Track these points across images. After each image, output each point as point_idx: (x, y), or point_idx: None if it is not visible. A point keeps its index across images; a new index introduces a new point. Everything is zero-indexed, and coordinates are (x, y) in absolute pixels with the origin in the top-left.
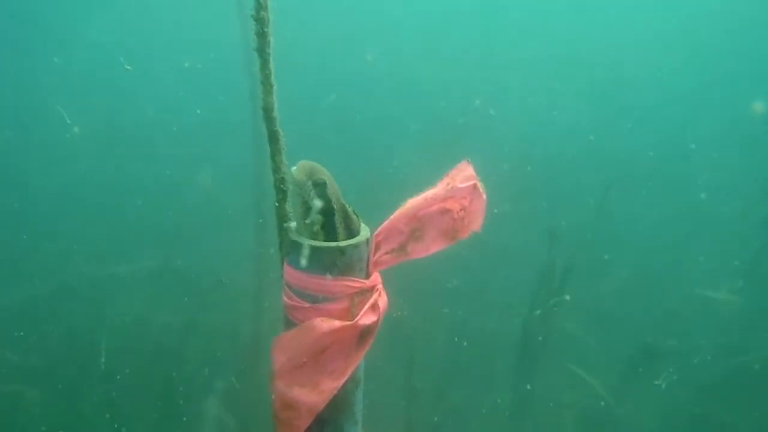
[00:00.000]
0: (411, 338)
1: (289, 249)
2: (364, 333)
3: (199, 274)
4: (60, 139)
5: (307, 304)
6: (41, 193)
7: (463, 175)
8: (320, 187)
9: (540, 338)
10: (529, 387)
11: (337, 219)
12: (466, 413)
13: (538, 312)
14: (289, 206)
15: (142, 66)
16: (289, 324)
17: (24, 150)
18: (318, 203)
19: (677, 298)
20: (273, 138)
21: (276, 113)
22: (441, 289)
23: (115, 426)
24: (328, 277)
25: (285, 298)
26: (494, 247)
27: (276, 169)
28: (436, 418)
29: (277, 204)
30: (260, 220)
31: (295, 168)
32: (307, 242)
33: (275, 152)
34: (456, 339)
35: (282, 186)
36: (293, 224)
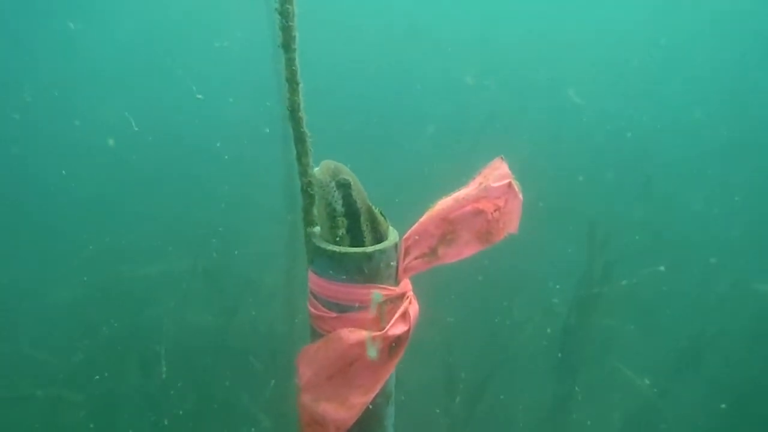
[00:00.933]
0: (448, 336)
1: (314, 255)
2: (395, 344)
3: (231, 275)
4: (90, 141)
5: (333, 314)
6: (72, 196)
7: (497, 173)
8: (344, 188)
9: (581, 334)
10: (571, 384)
11: (363, 222)
12: (507, 412)
13: (579, 308)
14: (316, 210)
15: (170, 64)
16: (316, 335)
17: (54, 153)
18: (342, 205)
19: (722, 292)
20: (299, 139)
21: (303, 113)
22: (477, 286)
23: (155, 426)
24: (355, 284)
25: (310, 308)
26: (532, 242)
27: (303, 172)
28: (476, 418)
29: (304, 208)
30: (289, 217)
31: (317, 168)
32: (332, 248)
33: (302, 154)
34: (495, 337)
35: (309, 190)
36: (317, 229)
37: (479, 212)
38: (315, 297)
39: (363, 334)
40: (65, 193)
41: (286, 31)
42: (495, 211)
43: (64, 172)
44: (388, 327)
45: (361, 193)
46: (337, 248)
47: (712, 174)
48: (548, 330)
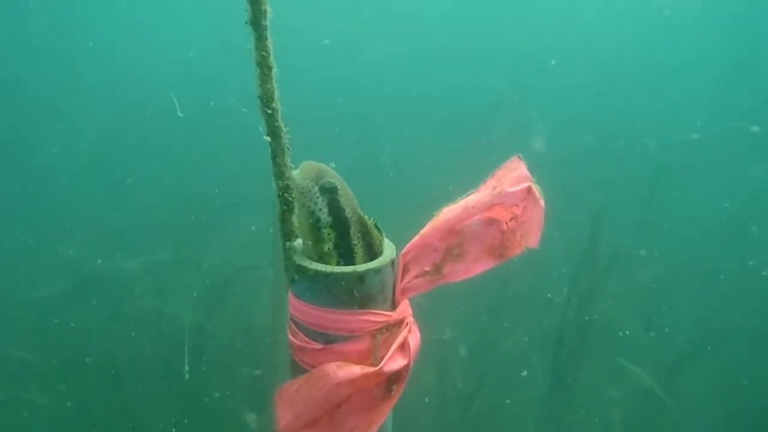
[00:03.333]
0: (441, 331)
1: (294, 275)
2: (391, 381)
3: (215, 266)
4: (72, 131)
5: (318, 345)
6: (51, 187)
7: (514, 175)
8: (330, 193)
9: (583, 329)
10: (572, 380)
11: (354, 234)
12: (503, 408)
13: (580, 301)
14: (295, 219)
15: (149, 55)
16: (297, 369)
17: (33, 145)
18: (327, 214)
19: (728, 285)
20: (274, 135)
21: (277, 104)
22: (473, 278)
23: (131, 424)
24: (344, 310)
25: (290, 337)
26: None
27: (278, 173)
28: (470, 415)
29: (280, 217)
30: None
31: (297, 171)
32: (317, 267)
33: (277, 152)
34: (491, 332)
35: (286, 195)
36: (297, 243)
37: (492, 222)
38: (296, 324)
39: (354, 371)
40: (42, 184)
41: (255, 4)
42: (511, 220)
43: (42, 165)
44: (384, 361)
45: (350, 200)
46: (322, 267)
47: (719, 167)
48: (546, 324)
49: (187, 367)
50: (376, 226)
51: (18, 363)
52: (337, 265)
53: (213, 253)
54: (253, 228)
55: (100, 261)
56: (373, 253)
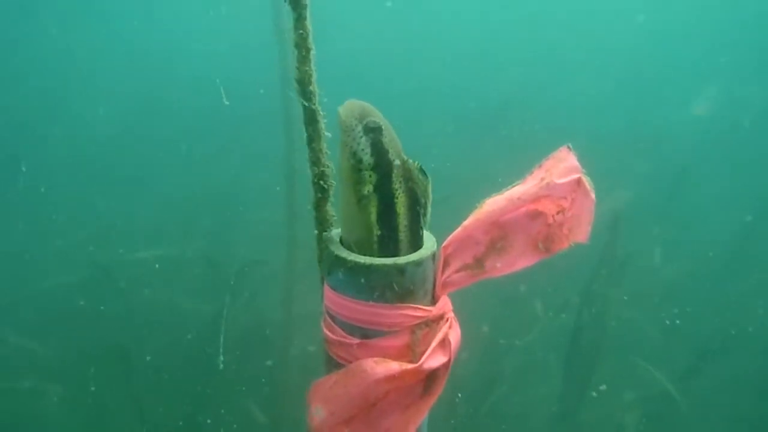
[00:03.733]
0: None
1: (330, 266)
2: (431, 379)
3: (228, 259)
4: (85, 121)
5: (355, 340)
6: (66, 177)
7: (564, 166)
8: (374, 132)
9: (598, 329)
10: (586, 380)
11: (396, 179)
12: (517, 408)
13: (596, 302)
14: (331, 208)
15: (165, 47)
16: (332, 364)
17: (50, 134)
18: (370, 155)
19: (745, 287)
20: (311, 119)
21: (315, 87)
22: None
23: (143, 416)
24: (383, 304)
25: (326, 331)
26: None
27: (315, 159)
28: (483, 414)
29: (315, 205)
30: (288, 199)
31: (340, 108)
32: (356, 258)
33: (314, 137)
34: (506, 330)
35: (322, 183)
36: (334, 233)
37: (538, 214)
38: (332, 318)
39: (392, 367)
40: (57, 175)
41: None
42: (558, 213)
43: (55, 156)
44: (423, 358)
45: (394, 142)
46: (361, 259)
47: (738, 170)
48: (561, 324)
49: (221, 357)
50: (421, 170)
51: (29, 353)
52: (378, 212)
53: (225, 246)
54: (266, 222)
55: (118, 251)
56: (415, 200)
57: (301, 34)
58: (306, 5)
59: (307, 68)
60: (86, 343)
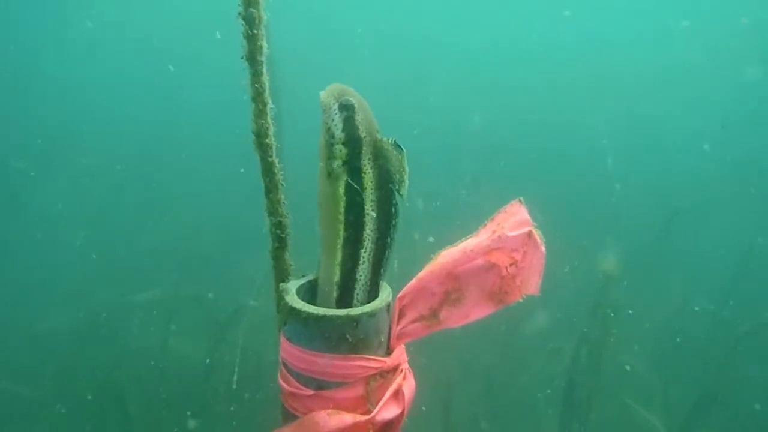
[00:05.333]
0: (448, 371)
1: (286, 317)
2: (384, 430)
3: (221, 302)
4: (76, 169)
5: (309, 391)
6: (58, 221)
7: (515, 219)
8: (347, 110)
9: (593, 375)
10: (581, 426)
11: (365, 155)
12: None
13: (590, 347)
14: (288, 258)
15: (153, 87)
16: (288, 416)
17: (41, 180)
18: (341, 130)
19: (740, 331)
20: (267, 171)
21: (271, 139)
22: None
23: None
24: (337, 355)
25: (281, 382)
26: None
27: (272, 210)
28: None
29: (273, 255)
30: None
31: (323, 91)
32: (309, 309)
33: (270, 188)
34: (499, 372)
35: (279, 232)
36: (290, 285)
37: (492, 266)
38: (287, 369)
39: (345, 419)
40: (51, 217)
41: (251, 40)
42: (511, 265)
43: (48, 199)
44: (377, 409)
45: (367, 121)
46: (314, 309)
47: (731, 211)
48: (556, 370)
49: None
50: (396, 144)
51: (22, 398)
52: (345, 185)
53: (220, 289)
54: (259, 263)
55: (106, 295)
56: (388, 177)
57: (257, 88)
58: (262, 62)
59: (263, 121)
60: (80, 388)
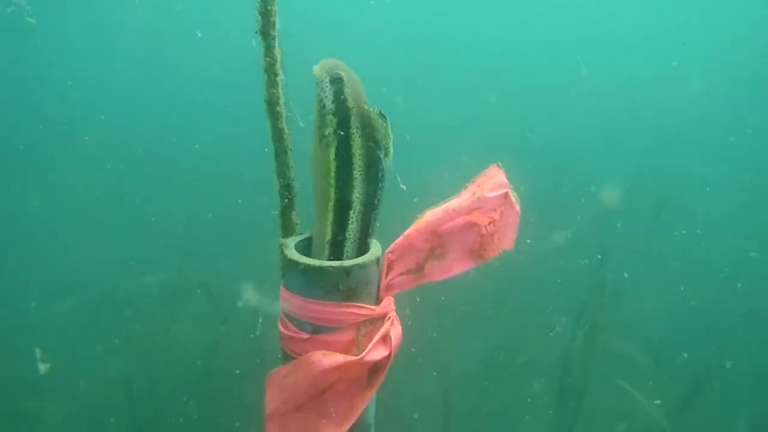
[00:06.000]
0: (446, 360)
1: (286, 268)
2: (373, 370)
3: (225, 289)
4: (81, 147)
5: (305, 335)
6: (66, 205)
7: (493, 182)
8: (337, 83)
9: (588, 359)
10: (575, 410)
11: (353, 124)
12: None
13: (586, 331)
14: (295, 216)
15: (158, 73)
16: (286, 357)
17: (46, 166)
18: (331, 102)
19: (736, 317)
20: (277, 136)
21: (282, 108)
22: (478, 307)
23: None
24: (331, 302)
25: (280, 327)
26: (539, 263)
27: (281, 172)
28: None
29: (281, 213)
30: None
31: (316, 65)
32: (306, 261)
33: (280, 152)
34: (495, 360)
35: (287, 193)
36: (290, 240)
37: (472, 225)
38: (286, 315)
39: (338, 359)
40: (59, 203)
41: (265, 15)
42: (489, 224)
43: (59, 184)
44: (366, 351)
45: (356, 94)
46: (311, 262)
47: (726, 197)
48: (551, 354)
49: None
50: (381, 114)
51: (31, 377)
52: (336, 151)
53: (224, 275)
54: (265, 252)
55: (114, 279)
56: (375, 144)
57: (269, 61)
58: (274, 36)
59: (275, 91)
60: (85, 367)
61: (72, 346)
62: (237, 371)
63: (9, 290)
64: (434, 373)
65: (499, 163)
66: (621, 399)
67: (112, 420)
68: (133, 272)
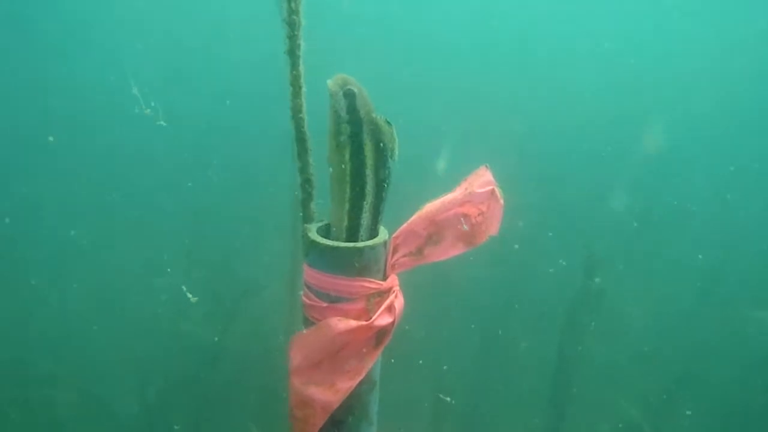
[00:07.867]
0: (438, 364)
1: (309, 249)
2: (380, 333)
3: (231, 285)
4: (91, 152)
5: (324, 304)
6: (66, 206)
7: (482, 180)
8: (350, 97)
9: (573, 363)
10: (561, 413)
11: (365, 130)
12: None
13: (571, 336)
14: (313, 206)
15: (161, 85)
16: (308, 323)
17: (56, 165)
18: (346, 113)
19: (718, 323)
20: (300, 139)
21: (304, 115)
22: (470, 310)
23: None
24: (346, 277)
25: (304, 298)
26: (528, 266)
27: (302, 169)
28: None
29: (302, 203)
30: (295, 229)
31: (330, 80)
32: (325, 242)
33: (302, 152)
34: (486, 364)
35: (308, 186)
36: (313, 225)
37: (464, 216)
38: (308, 288)
39: (351, 324)
40: (58, 201)
41: (292, 39)
42: (478, 215)
43: (64, 172)
44: (374, 317)
45: (365, 105)
46: (331, 243)
47: (712, 202)
48: (540, 358)
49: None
50: (387, 121)
51: (45, 367)
52: (350, 153)
53: (230, 272)
54: (272, 248)
55: (122, 276)
56: (383, 146)
57: (295, 74)
58: (299, 56)
59: (299, 101)
60: (93, 362)
61: (77, 341)
62: (245, 370)
63: (19, 292)
64: (426, 373)
65: (487, 165)
66: (604, 402)
67: (121, 411)
68: (139, 270)
